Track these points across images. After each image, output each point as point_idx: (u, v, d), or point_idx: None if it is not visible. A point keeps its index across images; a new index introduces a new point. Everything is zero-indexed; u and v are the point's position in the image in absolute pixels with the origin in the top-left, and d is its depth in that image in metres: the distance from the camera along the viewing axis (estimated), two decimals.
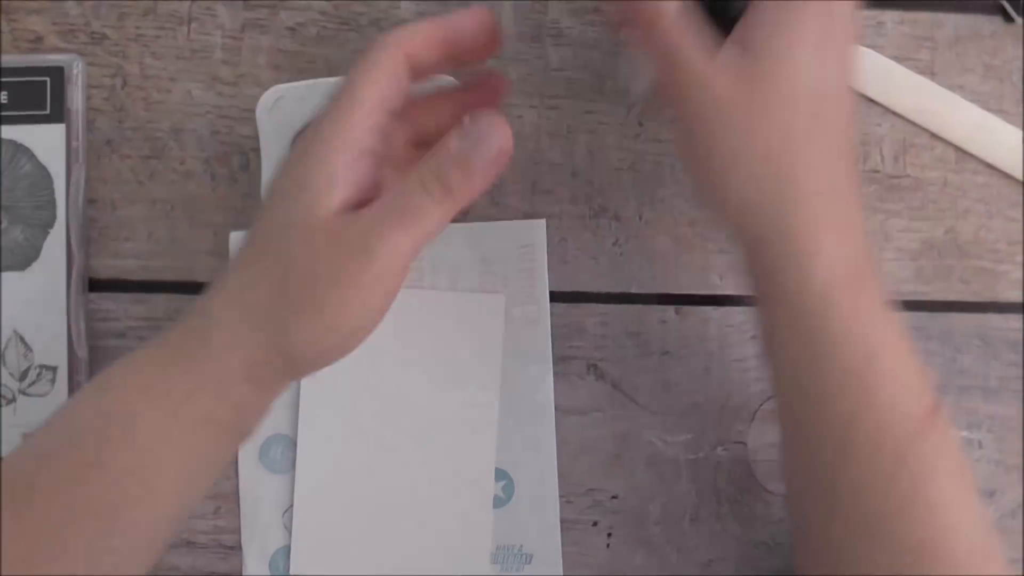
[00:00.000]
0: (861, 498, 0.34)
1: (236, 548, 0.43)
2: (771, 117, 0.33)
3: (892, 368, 0.34)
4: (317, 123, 0.34)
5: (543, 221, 0.44)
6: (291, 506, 0.43)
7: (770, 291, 0.35)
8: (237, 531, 0.43)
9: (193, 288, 0.43)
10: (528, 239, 0.44)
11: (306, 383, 0.43)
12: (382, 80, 0.34)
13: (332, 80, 0.42)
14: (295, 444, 0.43)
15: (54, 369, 0.42)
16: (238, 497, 0.43)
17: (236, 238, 0.44)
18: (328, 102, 0.34)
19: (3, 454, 0.42)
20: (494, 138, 0.33)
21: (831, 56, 0.33)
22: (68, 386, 0.42)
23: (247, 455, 0.44)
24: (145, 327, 0.44)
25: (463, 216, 0.44)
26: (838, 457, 0.34)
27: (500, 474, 0.44)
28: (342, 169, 0.33)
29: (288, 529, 0.43)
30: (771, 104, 0.33)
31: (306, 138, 0.34)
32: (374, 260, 0.32)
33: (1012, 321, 0.46)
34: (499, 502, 0.44)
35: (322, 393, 0.43)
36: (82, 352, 0.43)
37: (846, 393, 0.34)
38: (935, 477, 0.33)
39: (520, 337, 0.44)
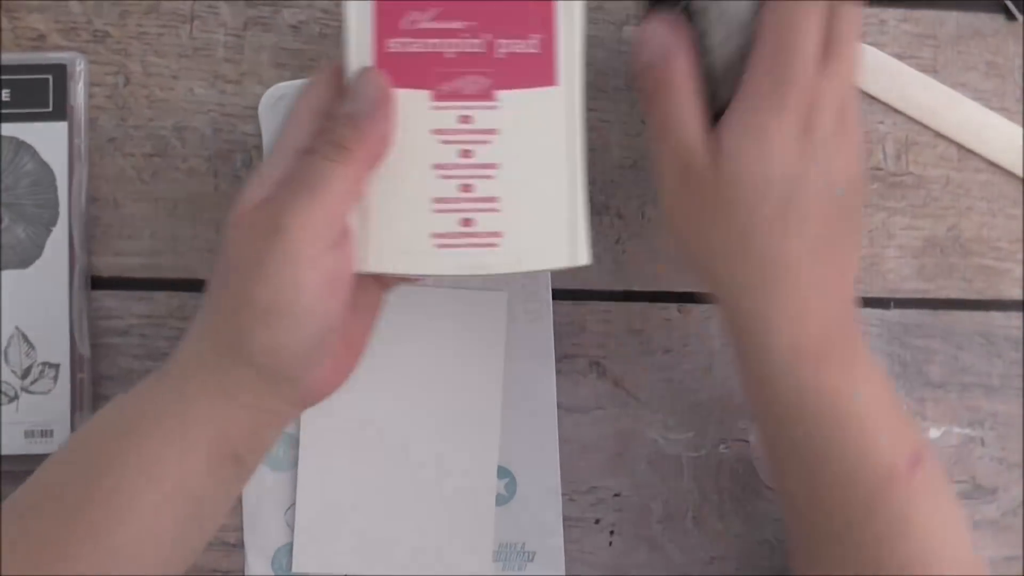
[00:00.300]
0: (838, 540, 0.36)
1: (238, 546, 0.43)
2: (737, 205, 0.34)
3: (863, 422, 0.35)
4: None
5: None
6: (293, 504, 0.43)
7: (735, 345, 0.37)
8: (239, 529, 0.43)
9: (195, 286, 0.43)
10: None
11: None
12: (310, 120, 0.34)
13: None
14: (297, 442, 0.43)
15: (56, 367, 0.42)
16: (240, 495, 0.43)
17: None
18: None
19: (4, 452, 0.42)
20: (370, 86, 0.34)
21: (798, 150, 0.33)
22: (70, 383, 0.42)
23: None
24: (147, 325, 0.44)
25: None
26: (810, 503, 0.36)
27: (503, 472, 0.44)
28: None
29: (290, 527, 0.43)
30: (737, 194, 0.34)
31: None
32: (286, 234, 0.32)
33: (1014, 319, 0.46)
34: (502, 500, 0.44)
35: None
36: (84, 350, 0.43)
37: (811, 445, 0.35)
38: (909, 528, 0.34)
39: (522, 335, 0.44)
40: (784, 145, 0.33)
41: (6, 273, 0.42)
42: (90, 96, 0.44)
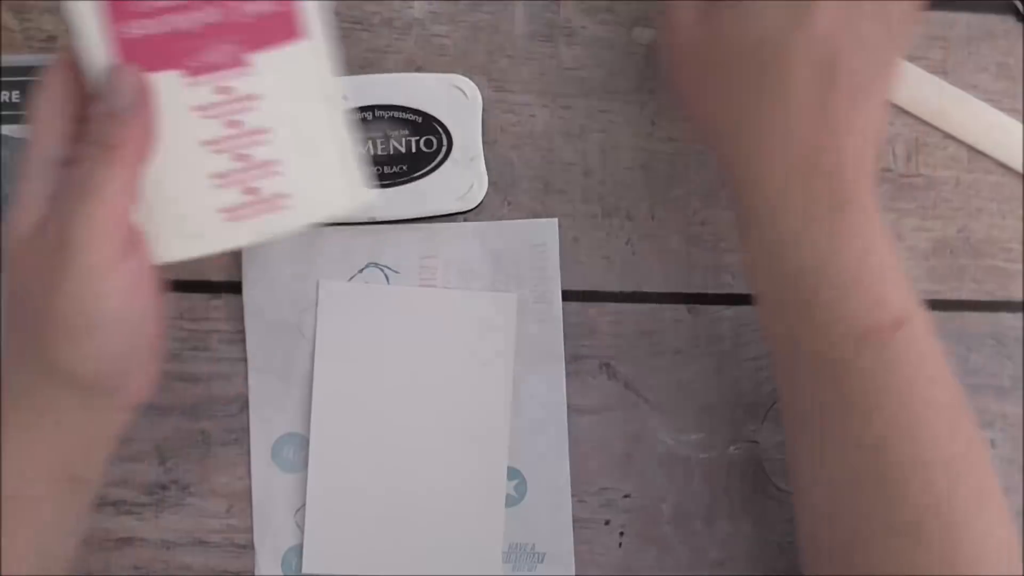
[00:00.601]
0: (813, 395, 0.36)
1: (249, 547, 0.43)
2: (720, 69, 0.36)
3: (844, 277, 0.34)
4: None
5: (555, 220, 0.44)
6: (303, 505, 0.43)
7: (733, 191, 0.38)
8: (250, 530, 0.43)
9: (202, 287, 0.43)
10: (540, 238, 0.44)
11: (319, 382, 0.43)
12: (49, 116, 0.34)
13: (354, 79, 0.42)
14: (307, 443, 0.43)
15: None
16: (251, 496, 0.43)
17: None
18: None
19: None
20: (126, 79, 0.33)
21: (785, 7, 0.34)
22: None
23: (260, 454, 0.44)
24: None
25: (475, 216, 0.44)
26: (790, 358, 0.37)
27: (512, 473, 0.44)
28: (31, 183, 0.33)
29: (301, 528, 0.43)
30: (720, 57, 0.36)
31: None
32: (75, 248, 0.31)
33: None
34: (511, 501, 0.44)
35: (335, 392, 0.43)
36: None
37: (794, 300, 0.35)
38: (887, 385, 0.34)
39: (532, 336, 0.44)
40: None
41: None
42: None
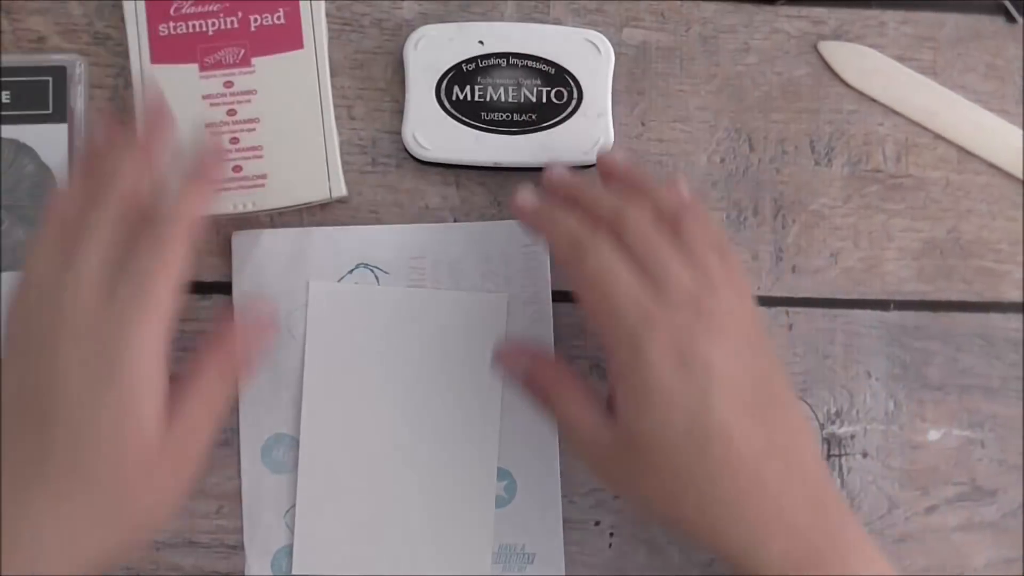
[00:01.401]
0: None
1: (238, 548, 0.43)
2: (648, 470, 0.35)
3: None
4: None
5: None
6: (293, 506, 0.43)
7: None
8: (239, 531, 0.43)
9: (198, 289, 0.43)
10: (531, 239, 0.44)
11: (309, 382, 0.43)
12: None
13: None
14: (297, 444, 0.43)
15: None
16: (240, 497, 0.43)
17: (239, 238, 0.44)
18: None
19: None
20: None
21: (682, 392, 0.34)
22: None
23: (249, 455, 0.44)
24: None
25: (464, 216, 0.44)
26: None
27: (502, 474, 0.44)
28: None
29: (291, 529, 0.43)
30: (643, 458, 0.34)
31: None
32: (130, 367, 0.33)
33: (1014, 321, 0.47)
34: (501, 502, 0.44)
35: (325, 393, 0.43)
36: None
37: None
38: None
39: (523, 337, 0.44)
40: (663, 384, 0.33)
41: (5, 275, 0.42)
42: (91, 98, 0.44)
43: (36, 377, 0.33)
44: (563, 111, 0.44)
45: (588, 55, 0.44)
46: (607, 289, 0.35)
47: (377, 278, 0.44)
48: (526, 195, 0.39)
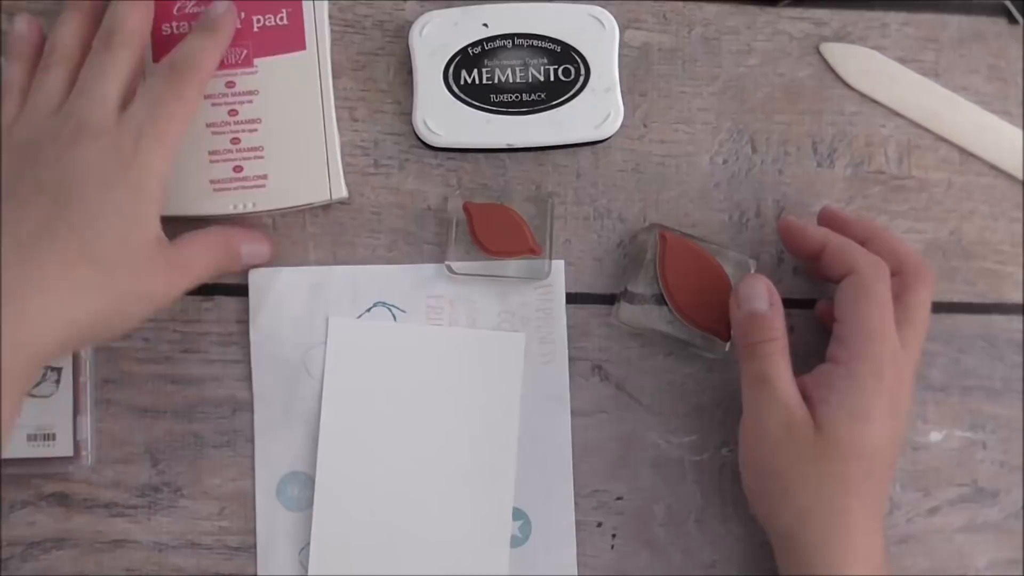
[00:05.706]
0: None
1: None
2: (831, 469, 0.38)
3: None
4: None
5: (562, 261, 0.44)
6: (308, 544, 0.43)
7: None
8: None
9: (198, 290, 0.43)
10: (547, 279, 0.44)
11: (326, 419, 0.43)
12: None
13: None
14: (312, 481, 0.43)
15: (59, 370, 0.42)
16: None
17: (255, 276, 0.43)
18: None
19: (6, 455, 0.42)
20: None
21: (890, 424, 0.39)
22: (72, 387, 0.42)
23: (264, 492, 0.43)
24: (150, 328, 0.44)
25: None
26: None
27: (517, 513, 0.44)
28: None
29: (305, 567, 0.43)
30: (832, 458, 0.38)
31: None
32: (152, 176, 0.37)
33: (1016, 322, 0.47)
34: (516, 541, 0.44)
35: (341, 430, 0.43)
36: (85, 353, 0.43)
37: None
38: None
39: (537, 376, 0.44)
40: (881, 423, 0.38)
41: None
42: None
43: (54, 168, 0.36)
44: (571, 88, 0.43)
45: (593, 30, 0.44)
46: (879, 324, 0.39)
47: (395, 316, 0.44)
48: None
